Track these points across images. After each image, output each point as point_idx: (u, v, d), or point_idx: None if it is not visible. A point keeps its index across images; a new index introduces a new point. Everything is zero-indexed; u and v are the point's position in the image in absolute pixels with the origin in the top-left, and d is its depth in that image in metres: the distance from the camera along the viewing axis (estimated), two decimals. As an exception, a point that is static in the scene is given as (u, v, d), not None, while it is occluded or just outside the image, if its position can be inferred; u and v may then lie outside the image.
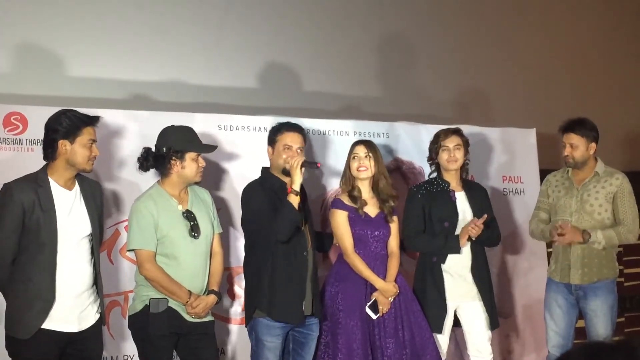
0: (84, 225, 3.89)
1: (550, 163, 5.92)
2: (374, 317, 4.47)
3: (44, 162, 3.91)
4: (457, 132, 4.86)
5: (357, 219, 4.56)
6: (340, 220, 4.56)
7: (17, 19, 5.08)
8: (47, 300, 3.77)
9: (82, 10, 5.22)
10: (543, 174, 5.92)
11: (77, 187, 3.92)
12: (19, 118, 4.43)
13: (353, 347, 4.39)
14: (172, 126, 4.27)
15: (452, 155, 4.76)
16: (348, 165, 4.66)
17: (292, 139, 4.48)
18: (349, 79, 6.20)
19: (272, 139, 4.50)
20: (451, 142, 4.78)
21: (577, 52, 7.22)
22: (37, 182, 3.80)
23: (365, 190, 4.64)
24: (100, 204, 4.05)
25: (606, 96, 7.26)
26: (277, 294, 4.28)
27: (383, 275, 4.56)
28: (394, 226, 4.68)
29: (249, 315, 4.39)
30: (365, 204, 4.61)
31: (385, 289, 4.51)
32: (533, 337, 5.71)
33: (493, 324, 4.79)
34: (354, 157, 4.63)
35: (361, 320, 4.45)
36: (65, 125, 3.81)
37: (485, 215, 4.65)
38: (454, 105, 6.51)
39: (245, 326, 4.46)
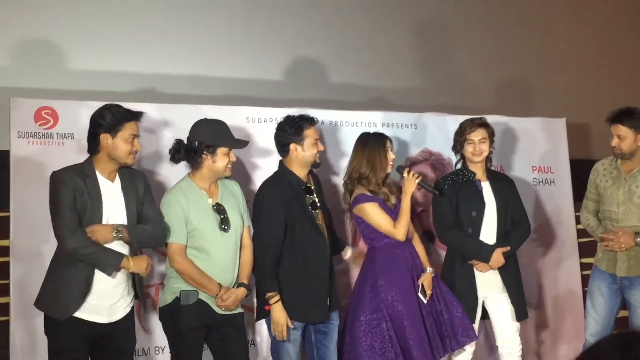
0: (122, 218, 3.94)
1: (582, 153, 5.88)
2: (425, 301, 4.51)
3: (82, 155, 3.99)
4: (483, 124, 4.80)
5: (385, 209, 4.56)
6: (374, 209, 4.52)
7: (49, 16, 5.11)
8: (87, 284, 3.84)
9: (111, 6, 5.24)
10: (573, 164, 5.87)
11: (118, 180, 3.99)
12: (49, 112, 4.47)
13: (421, 335, 4.41)
14: (205, 120, 4.25)
15: (477, 149, 4.74)
16: (381, 158, 4.57)
17: (316, 132, 4.46)
18: (376, 70, 6.17)
19: (299, 136, 4.39)
20: (477, 135, 4.74)
21: (615, 40, 7.12)
22: (83, 172, 3.88)
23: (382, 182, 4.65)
24: (145, 192, 4.06)
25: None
26: (299, 294, 4.28)
27: (416, 255, 4.62)
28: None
29: (265, 311, 4.35)
30: (387, 195, 4.61)
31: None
32: (565, 329, 5.67)
33: (520, 315, 4.77)
34: (389, 149, 4.60)
35: (418, 308, 4.48)
36: (108, 120, 3.89)
37: (508, 247, 4.68)
38: (485, 95, 6.45)
39: (258, 319, 4.45)
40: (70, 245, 3.79)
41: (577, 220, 5.80)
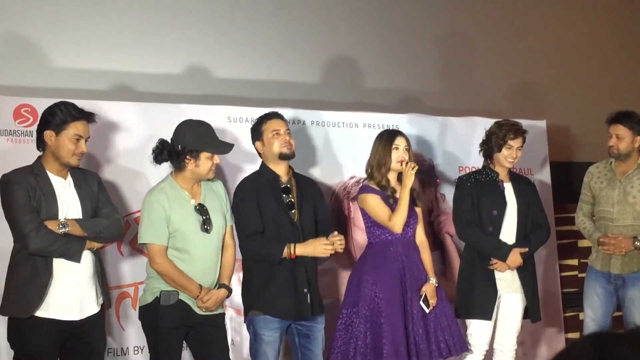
0: (77, 213, 3.91)
1: (562, 155, 5.88)
2: (427, 310, 4.53)
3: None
4: (524, 132, 4.84)
5: (387, 204, 4.57)
6: (374, 201, 4.57)
7: (28, 11, 5.08)
8: (45, 277, 3.79)
9: (92, 4, 5.20)
10: (553, 166, 5.91)
11: (69, 178, 3.96)
12: (29, 110, 4.43)
13: (398, 335, 4.41)
14: (189, 122, 4.19)
15: (514, 156, 4.78)
16: (384, 155, 4.60)
17: (277, 124, 4.45)
18: (363, 70, 6.11)
19: (258, 133, 4.44)
20: (517, 142, 4.78)
21: (595, 43, 7.12)
22: (33, 172, 3.85)
23: (392, 180, 4.65)
24: (99, 190, 4.03)
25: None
26: (273, 291, 4.27)
27: (419, 263, 4.61)
28: (420, 212, 4.72)
29: (245, 312, 4.39)
30: (395, 191, 4.62)
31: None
32: (544, 329, 5.70)
33: (534, 317, 4.85)
34: (396, 148, 4.61)
35: (401, 309, 4.48)
36: (56, 118, 3.85)
37: (527, 249, 4.72)
38: (463, 97, 6.44)
39: (244, 321, 4.46)
40: (36, 245, 3.74)
41: (557, 222, 5.85)
